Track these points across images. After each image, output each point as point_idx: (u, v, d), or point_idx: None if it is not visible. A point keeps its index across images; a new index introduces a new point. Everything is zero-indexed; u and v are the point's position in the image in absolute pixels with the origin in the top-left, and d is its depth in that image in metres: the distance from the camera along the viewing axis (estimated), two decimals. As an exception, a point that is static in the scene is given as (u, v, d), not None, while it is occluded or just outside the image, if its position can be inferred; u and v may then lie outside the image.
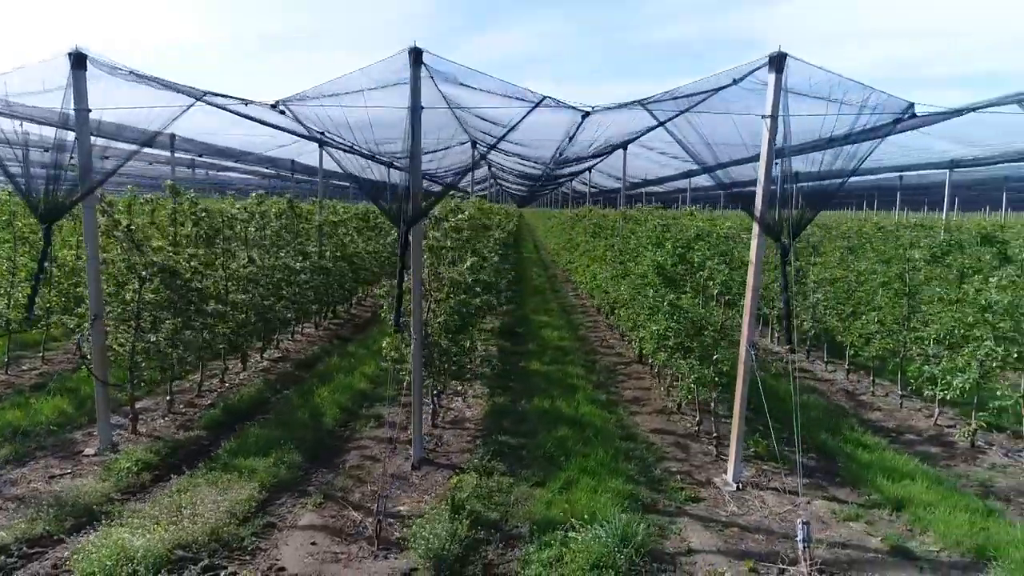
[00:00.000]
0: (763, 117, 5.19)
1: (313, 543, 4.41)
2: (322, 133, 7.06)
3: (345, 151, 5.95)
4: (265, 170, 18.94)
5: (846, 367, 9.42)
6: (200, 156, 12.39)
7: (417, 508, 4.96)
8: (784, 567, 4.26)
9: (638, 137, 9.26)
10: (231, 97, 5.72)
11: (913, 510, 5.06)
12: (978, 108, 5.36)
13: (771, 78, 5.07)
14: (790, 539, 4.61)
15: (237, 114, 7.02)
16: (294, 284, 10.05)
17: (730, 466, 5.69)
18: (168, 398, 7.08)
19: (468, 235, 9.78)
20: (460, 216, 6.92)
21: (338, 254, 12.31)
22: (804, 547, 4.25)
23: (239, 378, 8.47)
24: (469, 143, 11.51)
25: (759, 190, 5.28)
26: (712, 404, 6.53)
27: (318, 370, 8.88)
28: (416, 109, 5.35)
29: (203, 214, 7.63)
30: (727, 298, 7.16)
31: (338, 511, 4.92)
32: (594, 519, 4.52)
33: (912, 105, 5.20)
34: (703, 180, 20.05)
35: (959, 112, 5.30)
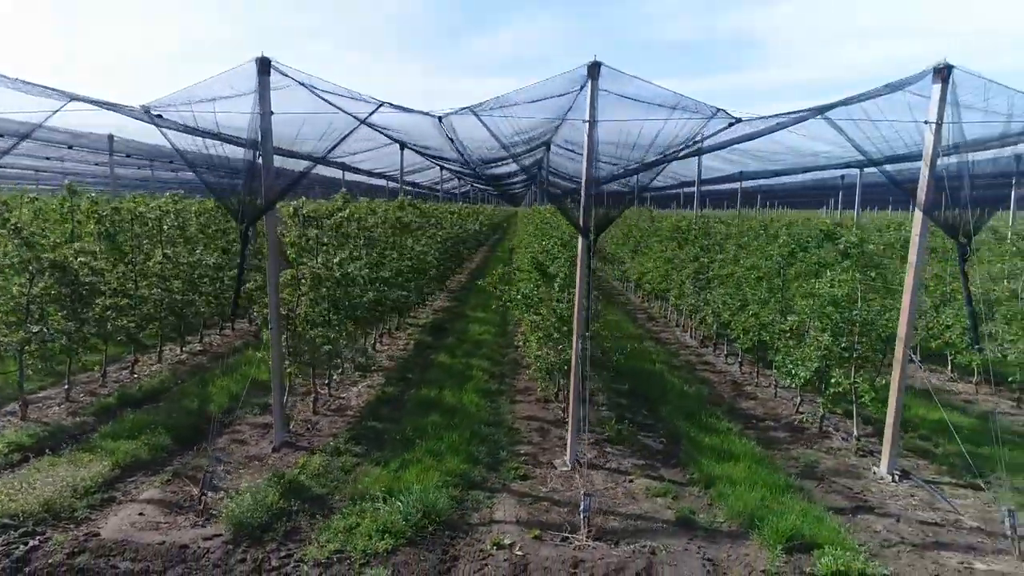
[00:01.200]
0: (584, 121, 5.59)
1: (141, 514, 4.79)
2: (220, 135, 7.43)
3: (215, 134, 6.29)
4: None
5: (738, 359, 9.84)
6: (128, 156, 12.76)
7: (256, 485, 5.34)
8: (567, 534, 4.65)
9: (547, 139, 9.67)
10: (99, 101, 6.09)
11: (720, 487, 5.44)
12: (784, 125, 5.77)
13: (589, 84, 5.47)
14: (591, 511, 5.00)
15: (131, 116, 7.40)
16: (217, 280, 10.42)
17: (568, 448, 6.07)
18: (67, 387, 7.47)
19: (381, 232, 10.21)
20: (340, 215, 7.29)
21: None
22: (584, 517, 4.65)
23: (151, 369, 8.85)
24: (397, 145, 11.96)
25: (583, 190, 5.67)
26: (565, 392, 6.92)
27: (229, 362, 9.25)
28: (266, 114, 5.74)
29: (106, 212, 8.01)
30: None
31: (181, 487, 5.31)
32: (405, 493, 4.91)
33: (720, 110, 5.59)
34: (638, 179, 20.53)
35: (756, 121, 5.69)
